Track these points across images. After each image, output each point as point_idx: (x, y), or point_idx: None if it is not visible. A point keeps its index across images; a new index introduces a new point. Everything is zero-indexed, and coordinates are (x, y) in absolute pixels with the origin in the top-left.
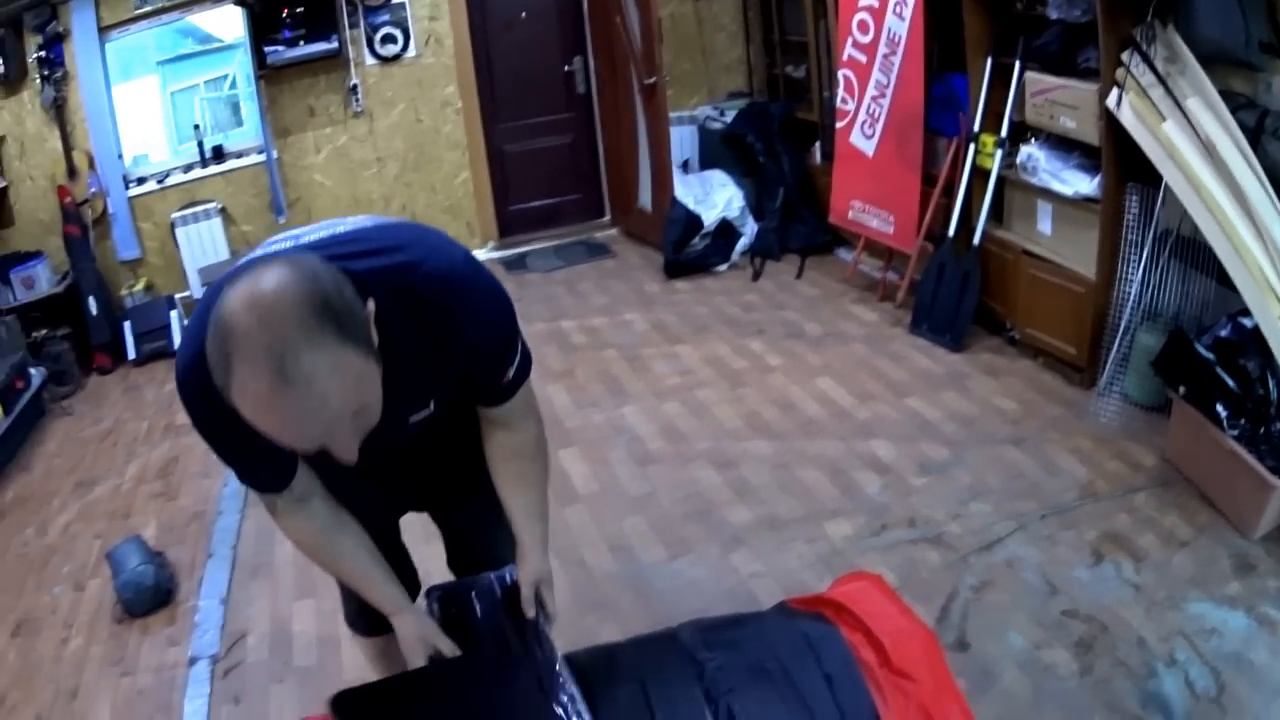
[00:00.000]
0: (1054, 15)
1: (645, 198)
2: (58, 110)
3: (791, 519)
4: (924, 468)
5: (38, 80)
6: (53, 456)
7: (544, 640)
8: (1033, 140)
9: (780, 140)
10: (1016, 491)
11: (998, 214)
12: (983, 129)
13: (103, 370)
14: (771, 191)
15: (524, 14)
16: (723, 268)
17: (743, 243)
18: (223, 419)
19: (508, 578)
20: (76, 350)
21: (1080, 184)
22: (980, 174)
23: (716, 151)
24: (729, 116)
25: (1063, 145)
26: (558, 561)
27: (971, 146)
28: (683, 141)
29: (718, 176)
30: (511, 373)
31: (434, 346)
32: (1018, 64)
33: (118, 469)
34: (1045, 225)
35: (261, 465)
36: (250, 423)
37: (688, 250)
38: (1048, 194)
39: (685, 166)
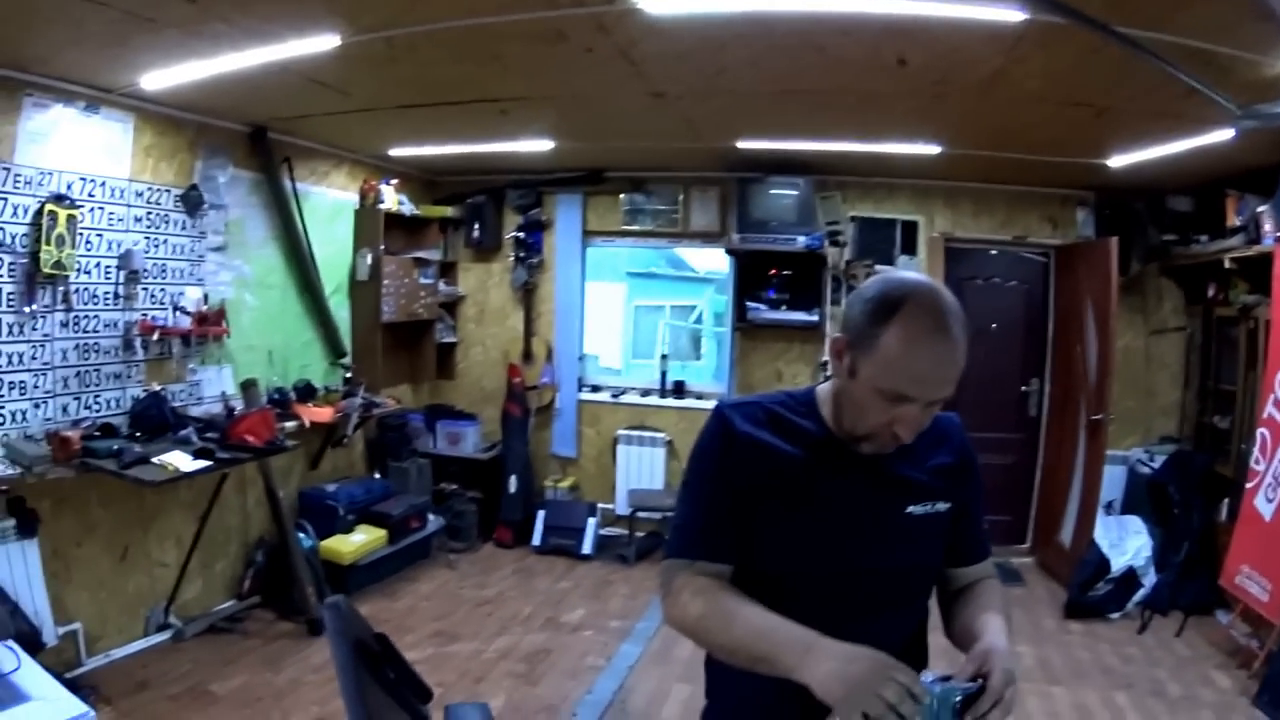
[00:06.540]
0: None
1: (1066, 532)
2: (526, 294)
3: None
4: None
5: (511, 258)
6: (423, 598)
7: None
8: None
9: (1197, 493)
10: None
11: None
12: None
13: (501, 544)
14: (1177, 545)
15: (994, 325)
16: (1115, 615)
17: (1140, 593)
18: (737, 454)
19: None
20: (480, 516)
21: None
22: None
23: (1139, 496)
24: (1158, 461)
25: None
26: None
27: None
28: (1111, 482)
29: (1134, 523)
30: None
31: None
32: None
33: (485, 636)
34: None
35: (714, 527)
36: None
37: (1090, 594)
38: None
39: (1109, 508)
